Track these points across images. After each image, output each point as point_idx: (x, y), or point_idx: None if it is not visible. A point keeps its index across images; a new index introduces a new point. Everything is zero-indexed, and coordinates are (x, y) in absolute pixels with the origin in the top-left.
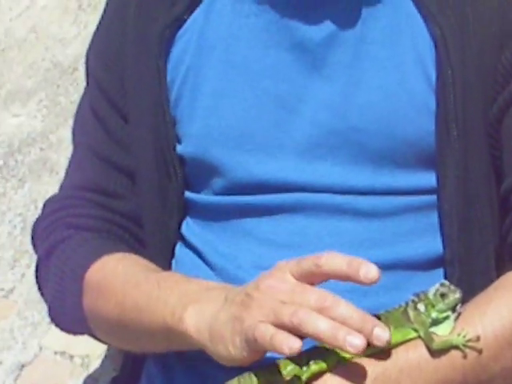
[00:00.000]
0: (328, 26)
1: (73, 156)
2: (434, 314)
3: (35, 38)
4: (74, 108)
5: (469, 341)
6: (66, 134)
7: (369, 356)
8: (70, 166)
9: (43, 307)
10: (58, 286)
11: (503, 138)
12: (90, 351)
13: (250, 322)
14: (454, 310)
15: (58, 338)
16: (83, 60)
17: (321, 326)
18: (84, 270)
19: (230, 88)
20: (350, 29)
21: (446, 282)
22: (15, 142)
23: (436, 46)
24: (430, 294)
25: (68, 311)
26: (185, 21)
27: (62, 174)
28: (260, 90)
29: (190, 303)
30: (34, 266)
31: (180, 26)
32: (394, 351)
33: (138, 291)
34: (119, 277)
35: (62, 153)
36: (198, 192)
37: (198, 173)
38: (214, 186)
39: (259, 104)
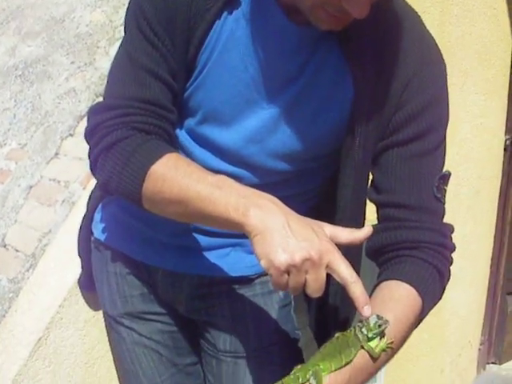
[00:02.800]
0: (293, 68)
1: (128, 71)
2: (370, 335)
3: (41, 2)
4: (62, 44)
5: (389, 344)
6: (57, 57)
7: (340, 368)
8: (123, 79)
9: (44, 155)
10: (121, 169)
11: (381, 167)
12: (69, 178)
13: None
14: (382, 332)
15: (51, 172)
16: (68, 15)
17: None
18: (151, 162)
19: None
20: (307, 71)
21: (382, 316)
22: (29, 61)
23: (354, 96)
24: (371, 324)
25: (122, 188)
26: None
27: (55, 79)
28: (237, 88)
29: (251, 205)
30: (38, 131)
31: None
32: (352, 362)
33: (200, 185)
34: (181, 171)
35: (55, 68)
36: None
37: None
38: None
39: (234, 95)
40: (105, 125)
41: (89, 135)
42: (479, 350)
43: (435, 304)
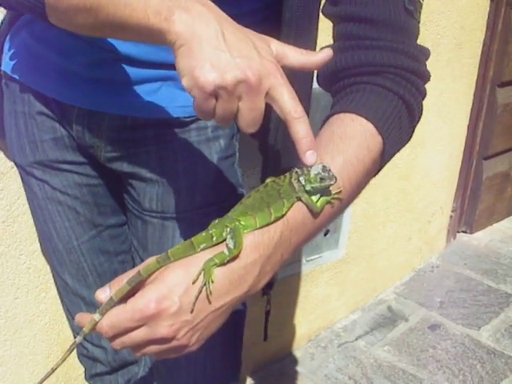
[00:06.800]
0: None
1: None
2: (308, 188)
3: None
4: None
5: (335, 194)
6: None
7: (268, 224)
8: None
9: None
10: None
11: None
12: None
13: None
14: (325, 190)
15: None
16: None
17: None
18: None
19: None
20: None
21: (328, 168)
22: None
23: None
24: (312, 174)
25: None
26: None
27: None
28: None
29: (176, 8)
30: None
31: None
32: (285, 218)
33: None
34: None
35: None
36: None
37: None
38: None
39: None
40: None
41: None
42: (450, 217)
43: (401, 146)
